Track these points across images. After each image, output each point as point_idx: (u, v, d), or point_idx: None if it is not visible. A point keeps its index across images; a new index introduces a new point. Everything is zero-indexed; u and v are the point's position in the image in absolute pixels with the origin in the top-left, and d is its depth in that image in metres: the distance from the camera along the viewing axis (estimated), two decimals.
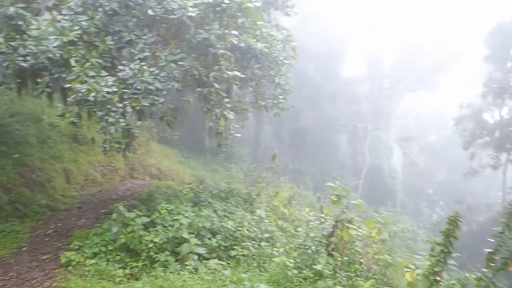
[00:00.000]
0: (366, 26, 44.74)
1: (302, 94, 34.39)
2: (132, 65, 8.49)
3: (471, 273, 6.81)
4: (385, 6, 43.60)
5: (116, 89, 8.03)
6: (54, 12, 8.85)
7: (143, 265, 7.53)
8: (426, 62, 45.74)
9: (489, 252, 5.78)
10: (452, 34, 46.76)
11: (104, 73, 8.25)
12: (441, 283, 6.20)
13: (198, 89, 9.58)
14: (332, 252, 7.97)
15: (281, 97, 12.61)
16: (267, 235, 9.15)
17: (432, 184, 49.61)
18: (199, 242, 8.16)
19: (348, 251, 8.28)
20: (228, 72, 9.51)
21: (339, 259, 7.71)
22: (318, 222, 9.18)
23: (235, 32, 9.92)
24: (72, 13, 8.79)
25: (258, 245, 8.59)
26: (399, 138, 45.02)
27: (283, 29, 13.44)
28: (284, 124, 35.46)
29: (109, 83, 7.97)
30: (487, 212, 31.83)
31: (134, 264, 7.53)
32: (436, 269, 6.15)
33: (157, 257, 7.64)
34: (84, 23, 8.56)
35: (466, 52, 44.79)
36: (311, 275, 7.01)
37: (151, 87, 8.33)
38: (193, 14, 9.08)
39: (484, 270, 5.79)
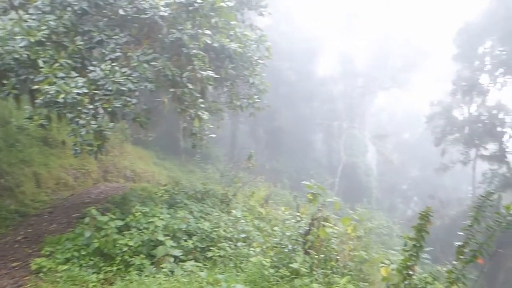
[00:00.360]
0: (339, 25, 45.32)
1: (277, 94, 34.55)
2: (103, 66, 8.31)
3: (443, 266, 6.98)
4: (358, 5, 44.20)
5: (86, 90, 7.83)
6: (21, 12, 8.60)
7: (117, 269, 7.39)
8: (398, 61, 46.71)
9: (459, 245, 5.95)
10: (422, 33, 47.96)
11: (74, 74, 8.04)
12: (414, 277, 6.33)
13: (172, 90, 9.47)
14: (309, 250, 8.03)
15: (256, 97, 12.65)
16: (243, 235, 9.15)
17: (406, 180, 50.66)
18: (175, 244, 8.08)
19: (325, 249, 8.36)
20: (202, 72, 9.45)
21: (316, 257, 7.78)
22: (294, 220, 9.25)
23: (208, 32, 9.86)
24: (39, 12, 8.55)
25: (235, 245, 8.58)
26: (373, 136, 45.83)
27: (257, 29, 13.46)
28: (260, 123, 35.53)
29: (79, 84, 7.77)
30: (458, 206, 32.76)
31: (108, 268, 7.38)
32: (409, 263, 6.28)
33: (132, 260, 7.50)
34: (52, 22, 8.33)
35: (436, 51, 45.99)
36: (288, 274, 7.04)
37: (123, 88, 8.17)
38: (165, 14, 8.98)
39: (455, 262, 5.95)
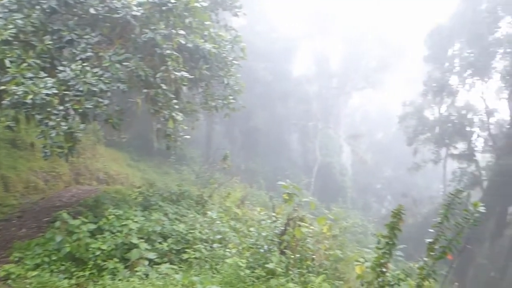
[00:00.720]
0: (314, 26, 45.75)
1: (253, 94, 34.57)
2: (73, 66, 8.11)
3: (415, 263, 7.13)
4: (333, 5, 44.79)
5: (56, 91, 7.62)
6: None
7: (90, 274, 7.22)
8: (372, 62, 47.64)
9: (429, 242, 6.09)
10: (395, 34, 48.72)
11: (42, 74, 7.81)
12: (387, 274, 6.44)
13: (145, 90, 9.32)
14: (285, 250, 8.07)
15: (231, 97, 12.61)
16: (219, 236, 9.10)
17: (380, 179, 51.59)
18: (149, 247, 7.96)
19: (300, 248, 8.41)
20: (176, 73, 9.35)
21: (292, 256, 7.82)
22: (270, 221, 9.28)
23: (182, 32, 9.77)
24: (6, 10, 8.26)
25: (211, 247, 8.52)
26: (348, 136, 46.55)
27: (231, 30, 13.46)
28: (235, 124, 35.50)
29: (48, 84, 7.55)
30: (430, 204, 33.56)
31: (81, 273, 7.20)
32: (382, 260, 6.38)
33: (105, 264, 7.35)
34: (19, 21, 8.07)
35: (408, 52, 46.95)
36: (264, 274, 7.06)
37: (94, 89, 8.00)
38: (138, 14, 8.84)
39: (426, 259, 6.09)
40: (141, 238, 8.12)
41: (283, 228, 8.84)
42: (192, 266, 7.80)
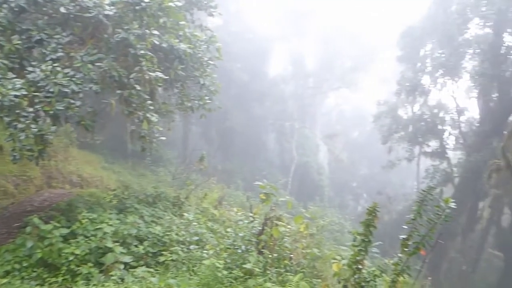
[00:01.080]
0: (290, 26, 46.01)
1: (229, 94, 34.52)
2: (43, 66, 7.90)
3: (390, 259, 7.25)
4: (308, 5, 45.04)
5: (25, 92, 7.41)
6: None
7: (63, 279, 7.04)
8: (347, 62, 48.26)
9: (403, 238, 6.20)
10: (368, 35, 49.52)
11: (11, 75, 7.59)
12: (363, 271, 6.53)
13: (119, 91, 9.16)
14: (262, 250, 8.08)
15: (207, 98, 12.55)
16: (196, 238, 9.04)
17: (356, 177, 52.26)
18: (124, 251, 7.84)
19: (278, 248, 8.45)
20: (150, 73, 9.23)
21: (269, 256, 7.84)
22: (247, 221, 9.27)
23: (156, 32, 9.66)
24: None
25: (188, 248, 8.45)
26: (324, 136, 46.97)
27: (207, 30, 13.38)
28: (212, 124, 35.32)
29: (17, 86, 7.33)
30: (404, 201, 34.22)
31: (53, 279, 7.02)
32: (358, 258, 6.47)
33: (79, 270, 7.19)
34: None
35: (381, 52, 47.69)
36: (242, 275, 7.05)
37: (66, 90, 7.82)
38: (111, 13, 8.71)
39: (400, 255, 6.21)
40: (116, 241, 7.99)
41: (260, 228, 8.86)
42: (169, 268, 7.71)
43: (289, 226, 9.37)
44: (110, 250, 7.65)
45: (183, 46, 10.42)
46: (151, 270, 7.48)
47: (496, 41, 22.10)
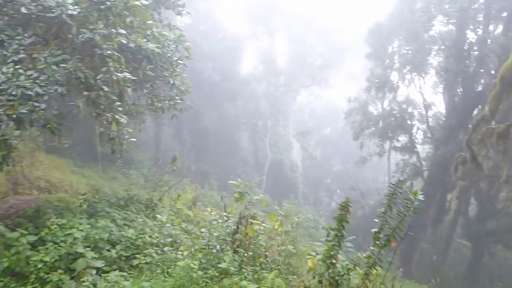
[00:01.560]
0: (259, 24, 46.13)
1: (201, 94, 34.30)
2: (4, 69, 7.61)
3: (363, 253, 7.39)
4: (276, 3, 45.22)
5: None
6: None
7: None
8: (317, 60, 48.82)
9: (375, 231, 6.33)
10: (338, 32, 50.20)
11: None
12: (337, 265, 6.63)
13: (85, 93, 8.92)
14: (238, 249, 8.10)
15: (177, 98, 12.42)
16: (170, 239, 8.94)
17: (329, 174, 52.96)
18: (96, 255, 7.65)
19: (253, 246, 8.47)
20: (118, 74, 9.05)
21: (245, 255, 7.85)
22: (221, 220, 9.25)
23: (123, 31, 9.48)
24: None
25: (162, 250, 8.34)
26: (297, 133, 47.38)
27: (175, 29, 13.23)
28: (184, 125, 35.02)
29: None
30: (376, 196, 34.93)
31: None
32: (332, 252, 6.56)
33: (48, 277, 6.96)
34: None
35: (351, 50, 48.41)
36: (217, 274, 7.03)
37: (29, 92, 7.55)
38: (74, 12, 8.47)
39: (372, 248, 6.34)
40: (88, 246, 7.80)
41: (235, 227, 8.87)
42: (143, 271, 7.58)
43: (263, 224, 9.40)
44: (81, 255, 7.45)
45: (151, 45, 10.28)
46: (125, 274, 7.33)
47: (460, 37, 22.85)
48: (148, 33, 10.90)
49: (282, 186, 38.85)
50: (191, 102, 15.88)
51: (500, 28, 22.12)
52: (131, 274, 7.43)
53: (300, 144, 47.12)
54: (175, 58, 11.79)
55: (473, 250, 22.19)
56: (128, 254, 8.27)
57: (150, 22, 10.97)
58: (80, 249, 7.54)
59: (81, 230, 8.15)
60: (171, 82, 11.76)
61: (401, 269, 8.60)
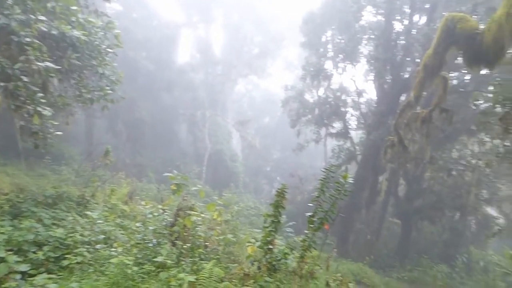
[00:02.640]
0: (195, 12, 45.24)
1: (135, 85, 33.14)
2: None
3: (299, 237, 7.56)
4: None
5: None
6: None
7: None
8: (254, 49, 49.01)
9: (309, 215, 6.49)
10: (274, 21, 50.64)
11: None
12: (274, 250, 6.74)
13: (2, 84, 8.22)
14: (176, 241, 7.96)
15: (108, 88, 11.86)
16: (103, 236, 8.56)
17: (269, 162, 53.75)
18: (20, 259, 7.10)
19: (192, 237, 8.38)
20: (39, 63, 8.43)
21: (183, 246, 7.73)
22: (157, 213, 9.04)
23: (43, 17, 8.81)
24: None
25: (94, 249, 7.96)
26: (236, 122, 47.44)
27: (103, 15, 12.56)
28: (119, 117, 33.67)
29: None
30: (314, 181, 35.95)
31: None
32: (269, 238, 6.65)
33: None
34: None
35: (287, 39, 49.10)
36: (154, 268, 6.86)
37: None
38: None
39: (306, 231, 6.50)
40: (10, 250, 7.22)
41: (173, 219, 8.71)
42: (73, 272, 7.20)
43: (202, 215, 9.32)
44: (3, 260, 6.88)
45: (76, 33, 9.70)
46: (53, 276, 6.91)
47: (387, 27, 23.94)
48: (73, 19, 10.26)
49: (223, 176, 38.82)
50: (124, 92, 15.23)
51: (424, 19, 23.44)
52: (61, 275, 7.02)
53: (240, 133, 47.27)
54: (104, 46, 11.23)
55: (403, 227, 23.68)
56: (57, 255, 7.78)
57: (74, 8, 10.30)
58: (2, 254, 6.96)
59: (3, 233, 7.55)
60: (100, 72, 11.21)
61: (335, 249, 8.96)
